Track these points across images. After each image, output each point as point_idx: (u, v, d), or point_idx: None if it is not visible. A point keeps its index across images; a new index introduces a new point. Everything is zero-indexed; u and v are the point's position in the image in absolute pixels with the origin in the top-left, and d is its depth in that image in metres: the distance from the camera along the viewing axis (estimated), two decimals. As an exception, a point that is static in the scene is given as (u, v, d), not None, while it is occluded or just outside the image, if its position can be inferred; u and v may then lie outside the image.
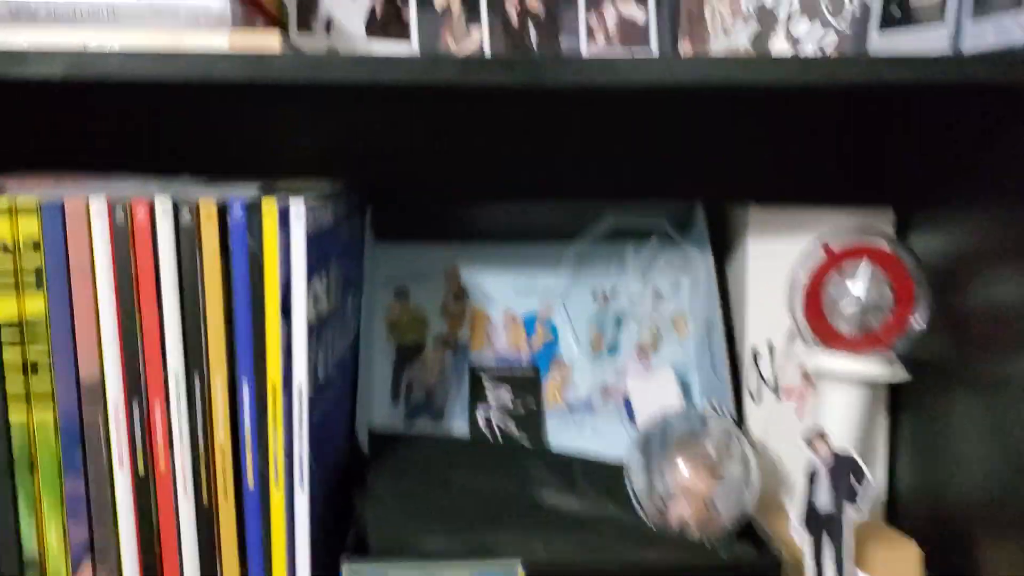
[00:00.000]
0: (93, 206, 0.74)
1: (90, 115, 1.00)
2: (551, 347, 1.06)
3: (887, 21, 0.89)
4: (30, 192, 0.75)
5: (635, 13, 1.00)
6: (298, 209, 0.75)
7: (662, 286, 1.06)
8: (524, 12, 1.00)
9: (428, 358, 1.04)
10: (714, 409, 0.96)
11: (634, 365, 1.05)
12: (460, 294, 1.06)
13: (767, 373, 1.00)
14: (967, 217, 0.86)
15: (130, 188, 0.79)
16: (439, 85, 0.68)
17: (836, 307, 0.93)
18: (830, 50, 0.94)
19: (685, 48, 1.00)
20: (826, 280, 0.93)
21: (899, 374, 0.91)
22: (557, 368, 1.05)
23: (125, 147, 1.01)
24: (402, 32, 0.97)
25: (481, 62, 0.69)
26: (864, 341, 0.93)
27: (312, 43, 0.94)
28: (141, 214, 0.75)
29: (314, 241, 0.77)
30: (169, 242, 0.75)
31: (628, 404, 1.03)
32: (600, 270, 1.06)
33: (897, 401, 0.98)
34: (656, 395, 1.02)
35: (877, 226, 0.97)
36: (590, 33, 0.99)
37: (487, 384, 1.03)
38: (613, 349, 1.06)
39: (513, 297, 1.07)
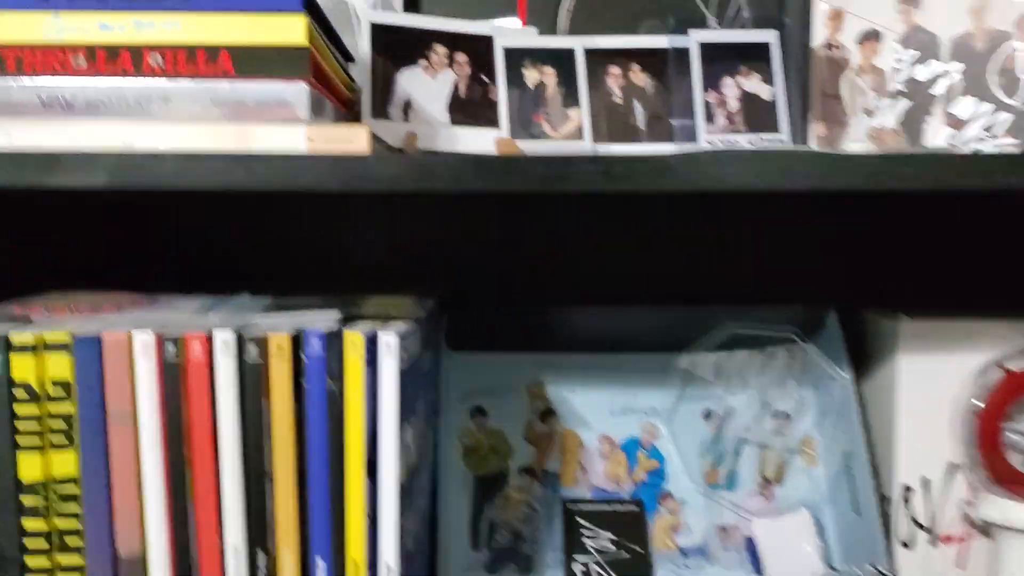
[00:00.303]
0: (137, 341, 0.60)
1: (134, 222, 0.86)
2: (657, 478, 0.91)
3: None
4: (60, 323, 0.61)
5: (760, 89, 0.85)
6: (389, 341, 0.60)
7: (788, 407, 0.91)
8: (629, 87, 0.86)
9: (512, 492, 0.89)
10: (874, 569, 0.80)
11: (757, 501, 0.89)
12: (547, 414, 0.91)
13: (922, 516, 0.84)
14: None
15: (182, 315, 0.65)
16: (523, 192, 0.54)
17: (1017, 442, 0.77)
18: (1001, 135, 0.79)
19: (818, 131, 0.86)
20: (1006, 408, 0.77)
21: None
22: (665, 504, 0.90)
23: (170, 257, 0.87)
24: (490, 114, 0.83)
25: (567, 163, 0.55)
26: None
27: (390, 130, 0.80)
28: (196, 350, 0.60)
29: (407, 379, 0.62)
30: (230, 383, 0.60)
31: (752, 549, 0.87)
32: (714, 386, 0.91)
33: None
34: (787, 539, 0.86)
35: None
36: (708, 113, 0.85)
37: (583, 524, 0.87)
38: (731, 481, 0.90)
39: (610, 418, 0.92)
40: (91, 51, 0.62)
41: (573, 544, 0.87)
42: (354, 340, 0.60)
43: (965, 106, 0.81)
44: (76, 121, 0.62)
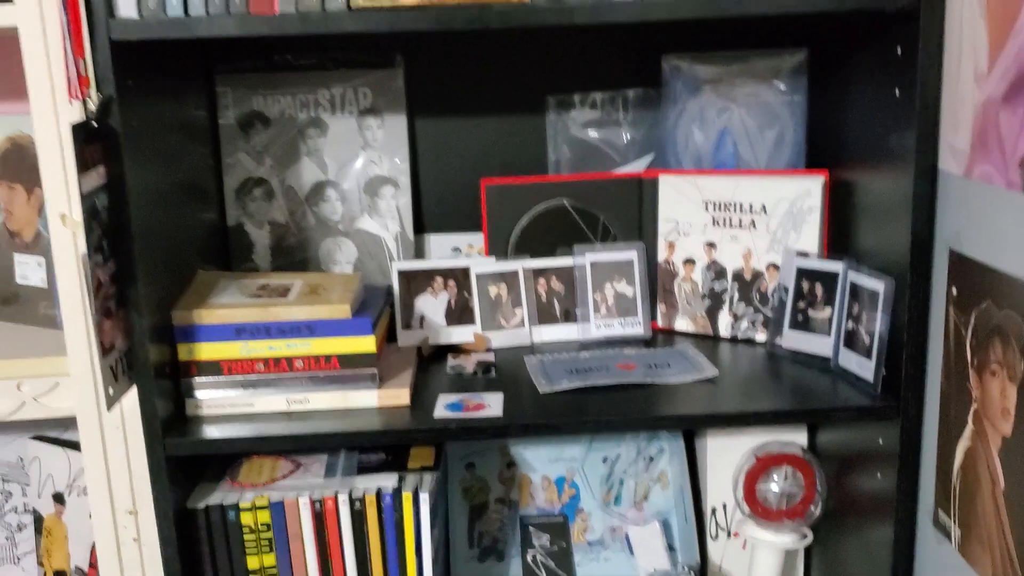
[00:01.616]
0: (300, 502, 1.25)
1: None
2: (575, 500, 1.57)
3: (794, 324, 1.37)
4: (261, 492, 1.26)
5: (626, 289, 1.47)
6: (425, 495, 1.26)
7: (651, 452, 1.57)
8: (550, 291, 1.48)
9: (491, 514, 1.56)
10: (688, 569, 1.49)
11: (632, 512, 1.57)
12: (511, 465, 1.57)
13: (722, 521, 1.52)
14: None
15: (318, 480, 1.30)
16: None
17: (765, 494, 1.44)
18: (759, 326, 1.42)
19: (661, 310, 1.48)
20: (759, 475, 1.44)
21: (805, 541, 1.43)
22: (579, 516, 1.57)
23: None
24: (469, 317, 1.45)
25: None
26: (783, 514, 1.44)
27: (412, 336, 1.42)
28: (329, 504, 1.26)
29: (434, 507, 1.27)
30: (347, 518, 1.26)
31: (628, 542, 1.55)
32: (607, 444, 1.56)
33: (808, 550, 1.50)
34: (648, 536, 1.54)
35: (795, 442, 1.47)
36: (596, 305, 1.47)
37: (532, 531, 1.55)
38: (617, 500, 1.57)
39: (548, 464, 1.57)
40: (265, 361, 1.24)
41: (526, 542, 1.55)
42: (407, 495, 1.26)
43: (739, 308, 1.44)
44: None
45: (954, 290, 1.13)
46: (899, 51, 1.15)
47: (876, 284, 1.22)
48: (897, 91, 1.16)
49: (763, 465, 1.44)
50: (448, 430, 1.18)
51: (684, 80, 1.44)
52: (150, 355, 1.15)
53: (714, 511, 1.51)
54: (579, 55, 1.50)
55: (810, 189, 1.36)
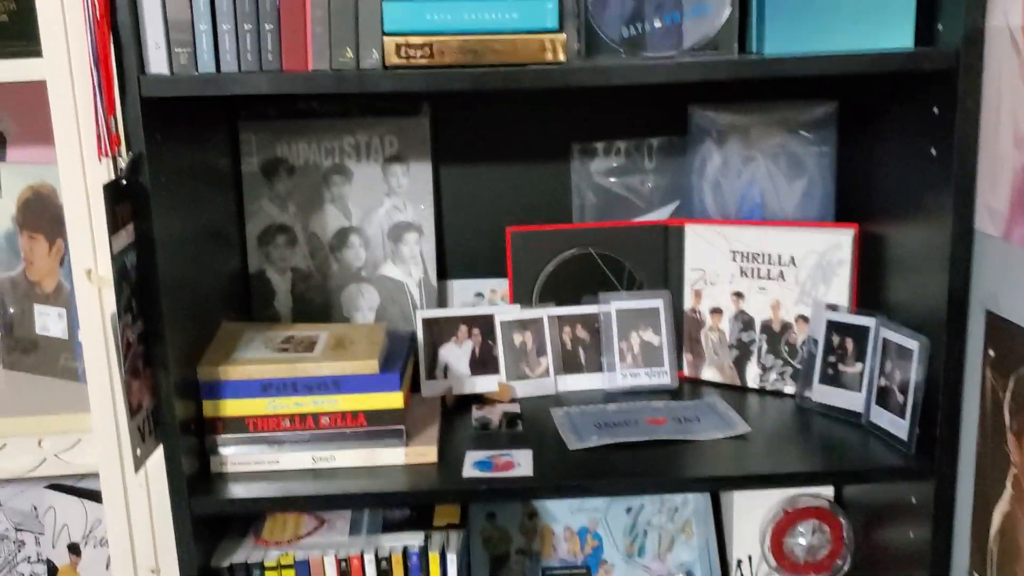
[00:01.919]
0: (326, 562, 1.23)
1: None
2: (598, 551, 1.55)
3: (823, 378, 1.35)
4: (286, 549, 1.24)
5: (652, 338, 1.46)
6: (452, 556, 1.24)
7: (676, 502, 1.55)
8: (575, 339, 1.46)
9: (512, 565, 1.54)
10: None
11: (656, 564, 1.55)
12: (532, 515, 1.55)
13: (748, 574, 1.50)
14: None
15: (343, 538, 1.28)
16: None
17: (792, 547, 1.42)
18: (787, 379, 1.40)
19: (688, 359, 1.47)
20: (786, 531, 1.42)
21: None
22: (602, 567, 1.55)
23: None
24: (494, 366, 1.43)
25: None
26: (809, 568, 1.42)
27: (436, 387, 1.41)
28: (355, 563, 1.24)
29: (460, 566, 1.26)
30: (373, 576, 1.24)
31: (651, 593, 1.53)
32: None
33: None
34: (671, 588, 1.52)
35: (823, 494, 1.45)
36: (621, 354, 1.45)
37: (555, 582, 1.53)
38: (641, 551, 1.55)
39: (569, 515, 1.55)
40: (292, 417, 1.22)
41: (549, 593, 1.53)
42: (433, 556, 1.24)
43: (768, 359, 1.42)
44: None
45: (991, 352, 1.12)
46: (936, 110, 1.14)
47: (910, 342, 1.21)
48: (933, 150, 1.15)
49: (790, 519, 1.42)
50: (478, 491, 1.17)
51: (710, 129, 1.43)
52: (176, 413, 1.14)
53: (739, 563, 1.49)
54: (604, 103, 1.49)
55: (840, 242, 1.35)
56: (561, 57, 1.08)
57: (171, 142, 1.15)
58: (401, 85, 1.05)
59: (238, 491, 1.18)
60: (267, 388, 1.21)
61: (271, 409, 1.22)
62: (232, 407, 1.21)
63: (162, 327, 1.10)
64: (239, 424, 1.21)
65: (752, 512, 1.45)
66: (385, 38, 1.07)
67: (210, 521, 1.24)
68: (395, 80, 1.05)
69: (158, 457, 1.14)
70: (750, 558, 1.49)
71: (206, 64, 1.06)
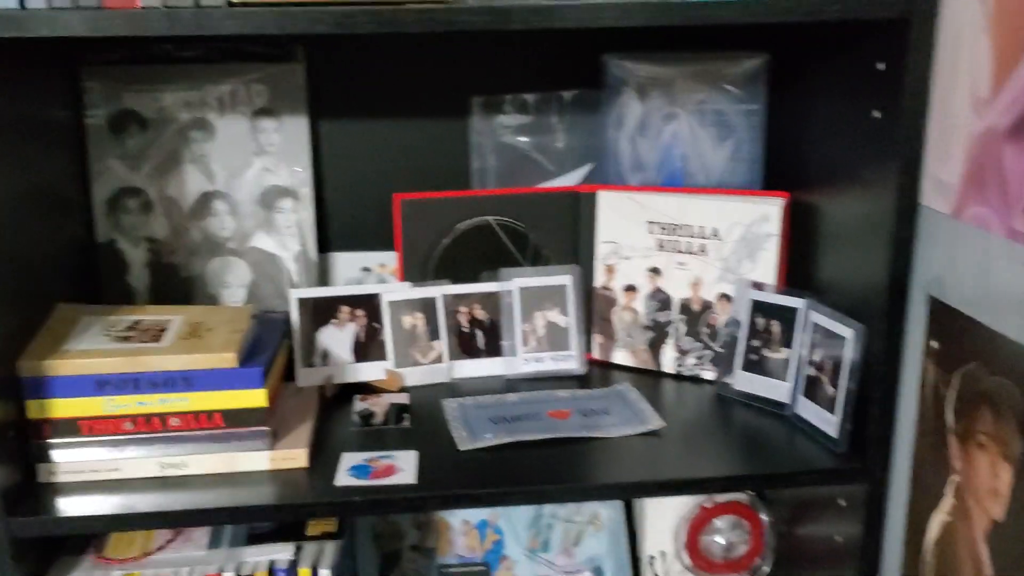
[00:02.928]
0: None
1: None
2: (499, 546, 1.41)
3: (746, 364, 1.21)
4: (133, 568, 1.07)
5: (558, 319, 1.30)
6: (326, 572, 1.08)
7: (583, 499, 1.41)
8: (472, 321, 1.30)
9: (406, 564, 1.39)
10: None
11: (562, 560, 1.41)
12: (429, 509, 1.40)
13: (660, 572, 1.37)
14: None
15: (201, 553, 1.11)
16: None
17: (709, 545, 1.30)
18: (707, 364, 1.26)
19: (598, 341, 1.32)
20: (703, 527, 1.29)
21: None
22: (503, 564, 1.41)
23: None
24: (381, 351, 1.27)
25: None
26: (727, 567, 1.30)
27: (314, 375, 1.24)
28: (213, 583, 1.07)
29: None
30: (233, 597, 1.08)
31: (557, 594, 1.40)
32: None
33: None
34: (578, 588, 1.39)
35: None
36: (524, 337, 1.30)
37: (451, 583, 1.39)
38: (546, 546, 1.41)
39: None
40: (134, 418, 1.04)
41: (444, 596, 1.38)
42: (304, 572, 1.07)
43: (686, 342, 1.28)
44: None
45: (933, 343, 0.99)
46: (880, 66, 0.99)
47: (844, 329, 1.07)
48: (876, 112, 1.01)
49: (708, 514, 1.30)
50: (352, 503, 1.00)
51: (627, 82, 1.27)
52: (-13, 418, 0.95)
53: (652, 560, 1.37)
54: (509, 52, 1.32)
55: (768, 213, 1.20)
56: (447, -5, 0.90)
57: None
58: (247, 27, 0.86)
59: (68, 507, 1.00)
60: (103, 385, 1.03)
61: (109, 409, 1.03)
62: (61, 407, 1.03)
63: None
64: (70, 427, 1.03)
65: (667, 504, 1.32)
66: (230, -32, 0.87)
67: (38, 540, 1.05)
68: (240, 20, 0.86)
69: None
70: (663, 554, 1.36)
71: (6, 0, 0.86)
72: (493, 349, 1.30)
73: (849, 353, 1.06)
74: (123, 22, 0.86)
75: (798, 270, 1.21)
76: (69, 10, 0.86)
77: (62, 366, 1.02)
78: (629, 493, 1.05)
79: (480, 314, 1.30)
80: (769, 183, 1.28)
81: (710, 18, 0.90)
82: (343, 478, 1.04)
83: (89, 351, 1.04)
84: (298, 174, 1.29)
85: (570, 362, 1.29)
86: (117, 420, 1.04)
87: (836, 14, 0.92)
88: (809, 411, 1.13)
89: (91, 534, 1.13)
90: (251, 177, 1.28)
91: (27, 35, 0.85)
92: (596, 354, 1.33)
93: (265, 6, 0.88)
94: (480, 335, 1.30)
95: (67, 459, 1.04)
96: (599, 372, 1.31)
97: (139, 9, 0.87)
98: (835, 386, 1.08)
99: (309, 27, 0.87)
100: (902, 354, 1.04)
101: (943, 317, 0.97)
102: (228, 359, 1.03)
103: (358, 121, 1.32)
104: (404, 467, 1.06)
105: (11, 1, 0.86)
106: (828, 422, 1.09)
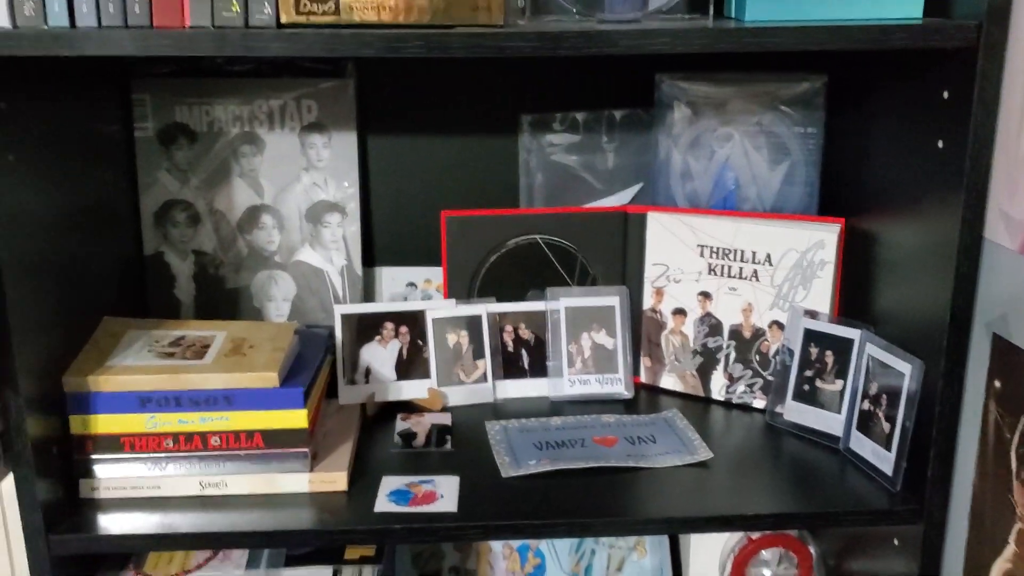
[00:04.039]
0: (217, 602, 1.05)
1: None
2: (540, 570, 1.39)
3: (798, 395, 1.18)
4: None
5: (606, 341, 1.28)
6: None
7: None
8: (518, 340, 1.28)
9: (446, 585, 1.37)
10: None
11: (604, 586, 1.38)
12: (470, 529, 1.38)
13: (703, 601, 1.34)
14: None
15: (239, 571, 1.10)
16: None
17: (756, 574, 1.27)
18: (757, 391, 1.23)
19: (645, 364, 1.29)
20: (750, 559, 1.26)
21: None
22: (545, 588, 1.39)
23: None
24: (424, 369, 1.25)
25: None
26: (773, 602, 1.27)
27: (356, 392, 1.22)
28: (251, 604, 1.06)
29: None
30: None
31: (599, 620, 1.37)
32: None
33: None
34: (619, 616, 1.36)
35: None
36: (570, 359, 1.27)
37: (492, 605, 1.37)
38: (588, 571, 1.39)
39: (511, 530, 1.39)
40: (175, 436, 1.04)
41: (484, 618, 1.37)
42: (344, 596, 1.06)
43: (736, 369, 1.25)
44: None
45: (997, 383, 0.95)
46: (945, 94, 0.95)
47: (901, 364, 1.04)
48: (940, 142, 0.97)
49: (755, 546, 1.26)
50: (391, 530, 0.99)
51: (680, 102, 1.24)
52: (32, 432, 0.95)
53: (697, 588, 1.33)
54: (559, 69, 1.30)
55: (823, 240, 1.17)
56: (497, 18, 0.88)
57: (25, 105, 0.95)
58: (295, 49, 0.85)
59: (108, 525, 1.00)
60: (146, 402, 1.03)
61: (151, 426, 1.03)
62: (104, 423, 1.03)
63: (6, 333, 0.90)
64: (112, 443, 1.03)
65: (713, 535, 1.29)
66: (280, -11, 0.86)
67: (79, 555, 1.05)
68: (289, 42, 0.85)
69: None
70: (708, 583, 1.33)
71: (57, 16, 0.86)
72: (538, 369, 1.28)
73: (907, 388, 1.03)
74: (172, 42, 0.85)
75: (854, 299, 1.17)
76: (119, 29, 0.85)
77: (106, 382, 1.02)
78: (675, 528, 1.02)
79: (526, 333, 1.28)
80: (825, 208, 1.24)
81: (767, 44, 0.87)
82: (383, 503, 1.02)
83: (133, 367, 1.04)
84: (346, 189, 1.28)
85: (617, 385, 1.27)
86: (159, 437, 1.03)
87: (902, 43, 0.88)
88: (864, 447, 1.09)
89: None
90: (299, 192, 1.28)
91: (77, 53, 0.85)
92: (644, 378, 1.30)
93: (314, 27, 0.86)
94: (525, 355, 1.28)
95: (109, 475, 1.04)
96: (647, 396, 1.29)
97: (188, 29, 0.86)
98: (891, 421, 1.04)
99: (357, 50, 0.85)
100: (963, 393, 1.00)
101: (1007, 356, 0.93)
102: (269, 378, 1.02)
103: (407, 137, 1.31)
104: (445, 493, 1.04)
105: (62, 19, 0.86)
106: (883, 459, 1.06)
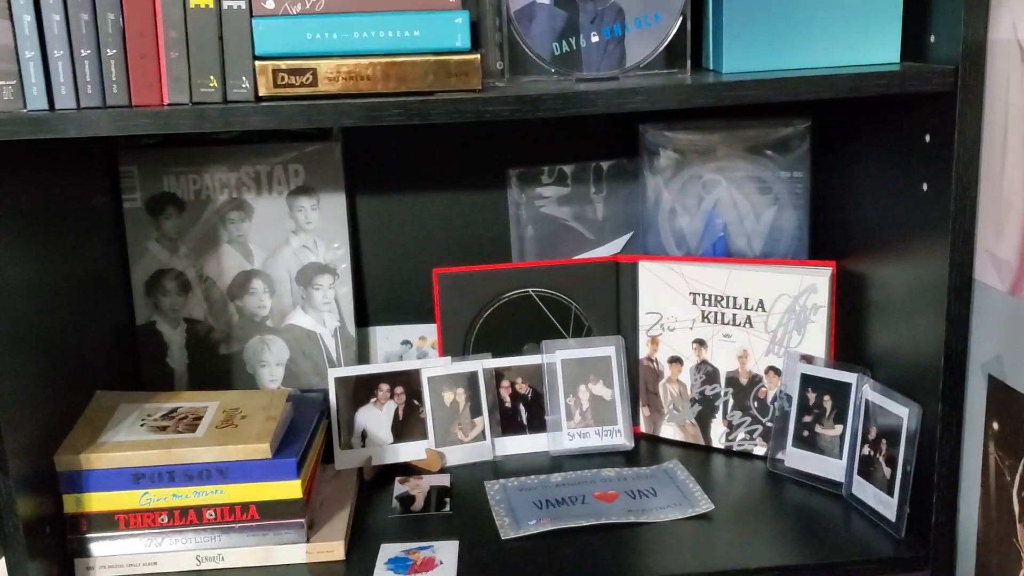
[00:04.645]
0: None
1: None
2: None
3: (798, 441, 1.17)
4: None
5: (603, 392, 1.27)
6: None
7: None
8: (515, 395, 1.27)
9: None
10: None
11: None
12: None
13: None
14: None
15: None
16: None
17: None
18: (757, 438, 1.22)
19: (644, 414, 1.28)
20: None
21: None
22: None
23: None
24: (421, 429, 1.24)
25: None
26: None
27: (352, 457, 1.21)
28: None
29: None
30: None
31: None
32: None
33: None
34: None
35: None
36: (568, 412, 1.26)
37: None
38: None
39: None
40: (170, 512, 1.03)
41: None
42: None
43: (735, 416, 1.24)
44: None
45: (995, 425, 0.94)
46: (927, 138, 0.95)
47: (900, 409, 1.03)
48: (924, 185, 0.96)
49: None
50: (390, 601, 0.98)
51: (665, 150, 1.24)
52: (21, 513, 0.94)
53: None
54: (544, 123, 1.30)
55: (815, 284, 1.16)
56: (475, 83, 0.88)
57: (11, 179, 0.95)
58: (275, 122, 0.85)
59: (105, 605, 0.98)
60: (139, 478, 1.02)
61: (145, 503, 1.02)
62: (98, 501, 1.02)
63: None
64: (107, 521, 1.02)
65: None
66: (257, 63, 0.87)
67: (76, 636, 1.04)
68: (268, 116, 0.85)
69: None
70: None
71: (36, 100, 0.86)
72: (537, 424, 1.27)
73: (906, 432, 1.02)
74: (151, 120, 0.85)
75: (848, 342, 1.17)
76: (97, 110, 0.86)
77: (98, 459, 1.01)
78: (678, 584, 1.00)
79: (523, 388, 1.27)
80: (815, 251, 1.24)
81: (745, 97, 0.88)
82: (381, 572, 1.01)
83: (125, 443, 1.03)
84: (336, 250, 1.28)
85: (617, 437, 1.26)
86: (153, 513, 1.03)
87: (879, 89, 0.88)
88: (866, 492, 1.08)
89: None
90: (289, 255, 1.28)
91: (56, 136, 0.85)
92: (644, 427, 1.29)
93: (292, 100, 0.87)
94: (523, 410, 1.27)
95: (104, 553, 1.03)
96: (647, 447, 1.28)
97: (167, 107, 0.87)
98: (892, 466, 1.03)
99: (337, 121, 0.85)
100: (962, 436, 0.99)
101: (1003, 398, 0.92)
102: (262, 450, 1.02)
103: (395, 196, 1.31)
104: (444, 559, 1.03)
105: (41, 101, 0.86)
106: (886, 505, 1.04)
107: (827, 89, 0.89)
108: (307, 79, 0.86)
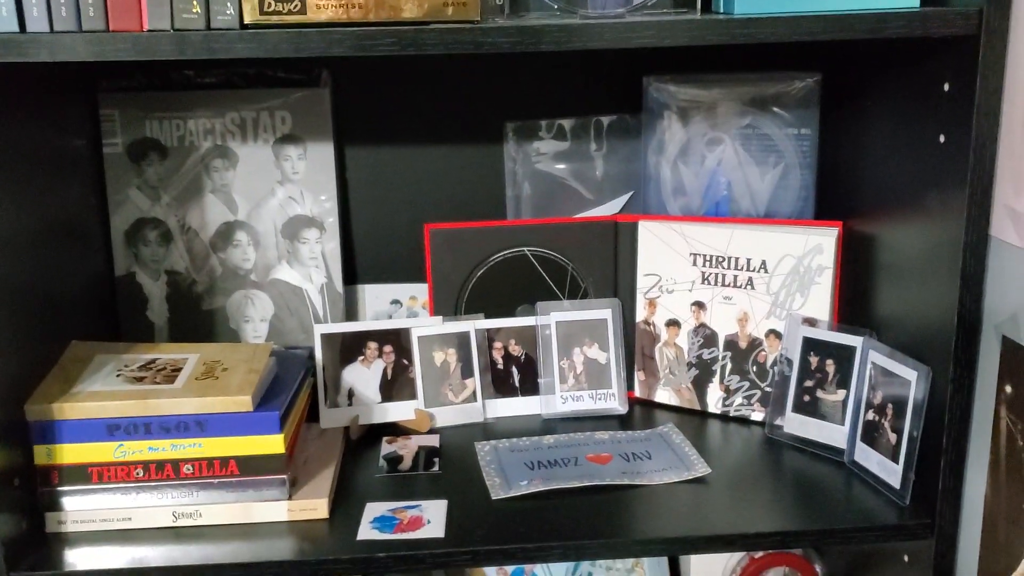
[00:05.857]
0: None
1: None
2: (535, 596, 1.33)
3: (798, 406, 1.13)
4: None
5: (598, 355, 1.23)
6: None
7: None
8: (507, 357, 1.23)
9: (438, 612, 1.31)
10: None
11: (602, 611, 1.33)
12: (461, 554, 1.32)
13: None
14: None
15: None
16: None
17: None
18: (755, 403, 1.18)
19: (639, 378, 1.24)
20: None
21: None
22: (540, 614, 1.33)
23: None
24: (410, 390, 1.20)
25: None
26: (778, 624, 1.21)
27: (338, 415, 1.17)
28: (228, 641, 1.00)
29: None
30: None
31: (597, 647, 1.31)
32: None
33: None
34: (619, 641, 1.30)
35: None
36: (562, 375, 1.22)
37: (486, 633, 1.31)
38: (585, 595, 1.33)
39: (504, 554, 1.33)
40: (146, 465, 0.98)
41: (478, 648, 1.31)
42: (325, 630, 1.00)
43: (732, 381, 1.20)
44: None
45: (1007, 388, 0.90)
46: (946, 87, 0.91)
47: (907, 371, 0.99)
48: (942, 136, 0.92)
49: (757, 566, 1.21)
50: (374, 559, 0.94)
51: (668, 106, 1.20)
52: (-10, 465, 0.90)
53: (698, 610, 1.28)
54: (543, 74, 1.25)
55: (821, 244, 1.12)
56: (473, 14, 0.83)
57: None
58: (261, 50, 0.80)
59: (76, 560, 0.95)
60: (114, 430, 0.97)
61: (119, 455, 0.98)
62: (70, 453, 0.97)
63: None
64: (80, 474, 0.98)
65: (714, 555, 1.23)
66: (243, -12, 0.82)
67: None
68: (253, 43, 0.80)
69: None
70: (709, 603, 1.27)
71: (5, 21, 0.81)
72: (529, 387, 1.23)
73: (913, 396, 0.98)
74: (130, 46, 0.80)
75: (854, 305, 1.13)
76: (72, 33, 0.81)
77: (71, 410, 0.96)
78: (674, 549, 0.96)
79: (516, 350, 1.23)
80: (821, 212, 1.19)
81: (757, 36, 0.83)
82: (366, 531, 0.97)
83: (99, 393, 0.98)
84: (323, 203, 1.23)
85: (611, 401, 1.22)
86: (128, 467, 0.98)
87: (899, 31, 0.84)
88: (869, 459, 1.04)
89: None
90: (274, 207, 1.23)
91: (27, 60, 0.80)
92: (639, 392, 1.25)
93: (280, 28, 0.82)
94: (515, 372, 1.23)
95: (77, 507, 0.98)
96: (641, 412, 1.24)
97: (147, 32, 0.82)
98: (897, 432, 1.00)
99: (326, 49, 0.81)
100: (972, 399, 0.95)
101: (1018, 359, 0.88)
102: (243, 402, 0.97)
103: (386, 148, 1.26)
104: (432, 519, 0.99)
105: (11, 23, 0.81)
106: (891, 471, 1.01)
107: (845, 30, 0.84)
108: (295, 6, 0.82)
